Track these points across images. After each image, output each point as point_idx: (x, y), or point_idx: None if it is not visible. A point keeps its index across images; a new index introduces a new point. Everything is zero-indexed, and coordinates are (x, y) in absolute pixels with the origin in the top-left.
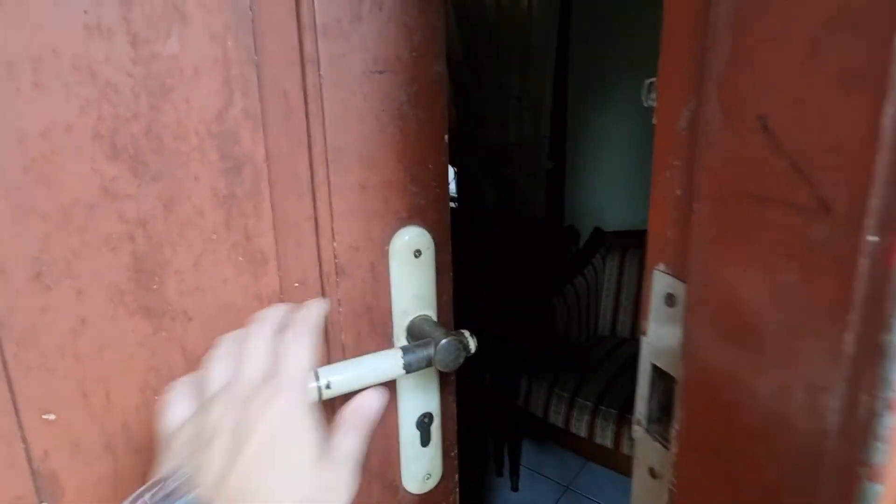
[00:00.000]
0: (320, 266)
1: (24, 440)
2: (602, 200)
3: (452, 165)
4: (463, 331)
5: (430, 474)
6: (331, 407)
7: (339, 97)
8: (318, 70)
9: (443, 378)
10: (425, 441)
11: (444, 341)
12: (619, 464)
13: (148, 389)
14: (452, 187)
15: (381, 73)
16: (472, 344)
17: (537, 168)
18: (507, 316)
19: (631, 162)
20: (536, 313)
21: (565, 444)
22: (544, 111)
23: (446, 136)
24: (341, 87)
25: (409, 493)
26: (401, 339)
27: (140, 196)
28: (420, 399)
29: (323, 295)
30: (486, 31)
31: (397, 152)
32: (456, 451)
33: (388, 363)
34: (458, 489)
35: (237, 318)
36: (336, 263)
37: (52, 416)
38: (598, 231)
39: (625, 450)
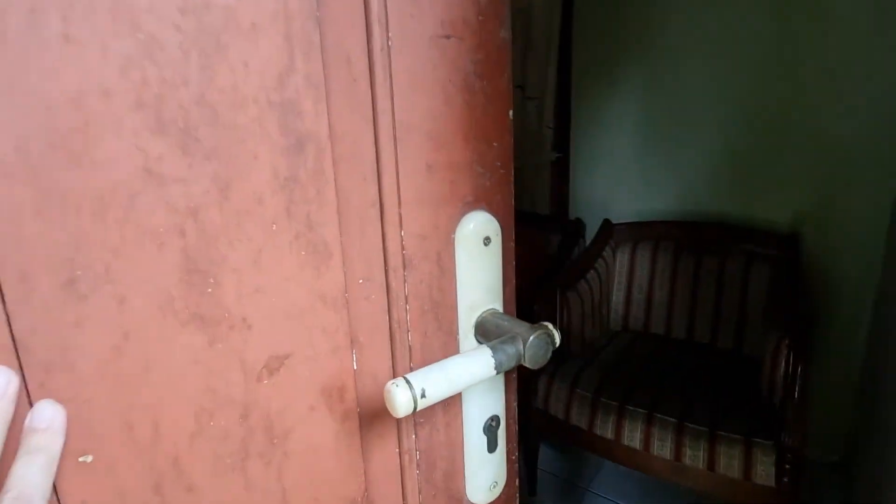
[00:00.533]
0: (385, 258)
1: (56, 491)
2: (609, 192)
3: None
4: (546, 323)
5: (496, 482)
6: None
7: (407, 65)
8: (387, 32)
9: (507, 377)
10: (492, 447)
11: (532, 337)
12: (644, 464)
13: (204, 414)
14: None
15: (447, 38)
16: (557, 337)
17: (541, 159)
18: (521, 315)
19: (638, 152)
20: (551, 310)
21: (582, 445)
22: (548, 100)
23: (511, 112)
24: (410, 53)
25: None
26: (468, 338)
27: (191, 179)
28: (488, 402)
29: (388, 291)
30: None
31: (464, 129)
32: (517, 455)
33: (478, 364)
34: (517, 495)
35: (299, 324)
36: (404, 255)
37: (89, 458)
38: (607, 223)
39: (654, 451)
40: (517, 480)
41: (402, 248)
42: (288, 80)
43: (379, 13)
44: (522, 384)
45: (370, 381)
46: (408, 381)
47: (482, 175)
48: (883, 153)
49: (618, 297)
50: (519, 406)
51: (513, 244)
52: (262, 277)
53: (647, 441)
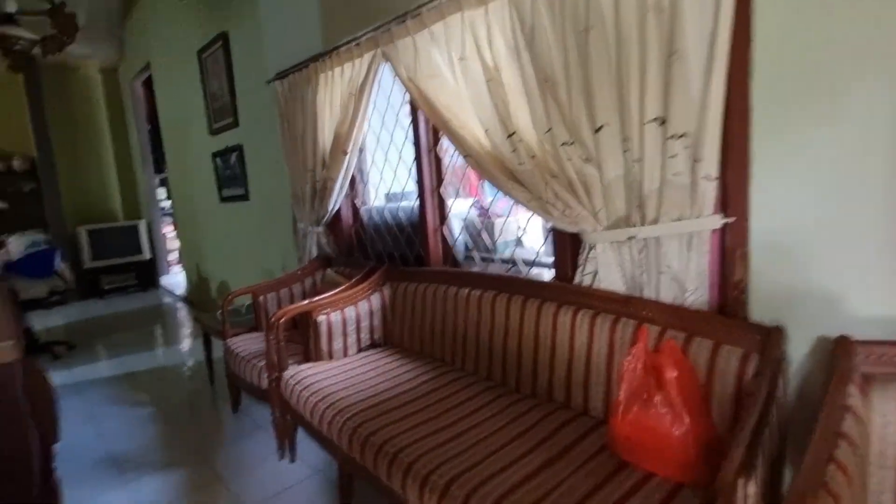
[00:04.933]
0: None
1: None
2: (824, 282)
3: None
4: None
5: None
6: None
7: None
8: None
9: None
10: None
11: None
12: None
13: None
14: (545, 247)
15: None
16: None
17: (697, 226)
18: None
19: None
20: None
21: None
22: (707, 138)
23: None
24: None
25: None
26: None
27: None
28: None
29: None
30: (602, 37)
31: None
32: None
33: None
34: None
35: None
36: None
37: None
38: (844, 342)
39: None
40: None
41: None
42: None
43: None
44: None
45: None
46: None
47: None
48: None
49: (882, 477)
50: None
51: None
52: None
53: None
